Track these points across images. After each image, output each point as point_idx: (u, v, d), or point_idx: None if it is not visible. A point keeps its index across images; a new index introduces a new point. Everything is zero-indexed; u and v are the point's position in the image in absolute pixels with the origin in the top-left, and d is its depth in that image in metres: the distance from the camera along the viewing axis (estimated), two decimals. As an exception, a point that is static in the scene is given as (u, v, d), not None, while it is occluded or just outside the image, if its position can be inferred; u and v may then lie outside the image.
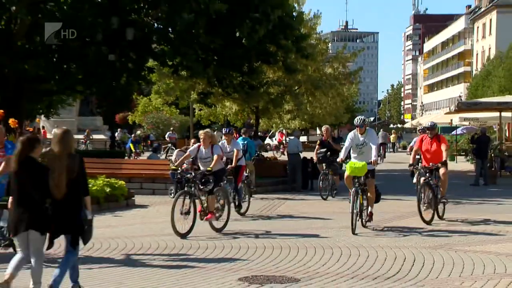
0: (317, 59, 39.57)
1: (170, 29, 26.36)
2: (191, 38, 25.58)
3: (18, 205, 8.01)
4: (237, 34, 26.18)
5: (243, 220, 16.22)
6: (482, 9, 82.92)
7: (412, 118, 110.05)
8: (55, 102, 33.40)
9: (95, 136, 40.72)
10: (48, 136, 28.83)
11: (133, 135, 46.22)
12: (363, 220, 13.81)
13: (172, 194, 17.42)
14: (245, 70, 28.68)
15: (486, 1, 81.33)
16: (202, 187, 13.36)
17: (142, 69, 29.17)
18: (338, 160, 14.56)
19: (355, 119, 14.45)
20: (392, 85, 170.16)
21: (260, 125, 42.08)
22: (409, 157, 18.19)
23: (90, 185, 11.59)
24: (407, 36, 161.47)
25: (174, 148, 37.90)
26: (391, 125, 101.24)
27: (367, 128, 13.92)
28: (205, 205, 13.57)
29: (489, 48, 74.45)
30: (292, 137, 31.80)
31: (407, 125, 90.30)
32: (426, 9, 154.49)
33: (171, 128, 52.54)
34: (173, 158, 21.29)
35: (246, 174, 18.00)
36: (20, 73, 25.28)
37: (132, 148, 41.06)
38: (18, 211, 8.01)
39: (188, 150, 14.22)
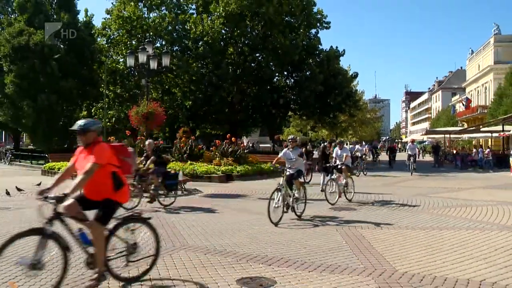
0: (363, 111, 38.91)
1: (298, 99, 25.05)
2: (308, 103, 24.48)
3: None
4: (328, 100, 24.89)
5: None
6: (435, 89, 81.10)
7: (405, 137, 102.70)
8: (249, 130, 33.22)
9: (265, 145, 39.59)
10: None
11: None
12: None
13: None
14: (331, 116, 27.03)
15: (436, 86, 79.71)
16: None
17: (286, 116, 29.52)
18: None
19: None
20: (396, 122, 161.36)
21: (337, 140, 40.47)
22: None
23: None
24: (402, 100, 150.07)
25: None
26: (396, 140, 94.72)
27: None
28: None
29: (439, 107, 72.41)
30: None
31: (404, 140, 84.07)
32: (410, 89, 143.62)
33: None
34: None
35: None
36: (235, 119, 25.21)
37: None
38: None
39: None
